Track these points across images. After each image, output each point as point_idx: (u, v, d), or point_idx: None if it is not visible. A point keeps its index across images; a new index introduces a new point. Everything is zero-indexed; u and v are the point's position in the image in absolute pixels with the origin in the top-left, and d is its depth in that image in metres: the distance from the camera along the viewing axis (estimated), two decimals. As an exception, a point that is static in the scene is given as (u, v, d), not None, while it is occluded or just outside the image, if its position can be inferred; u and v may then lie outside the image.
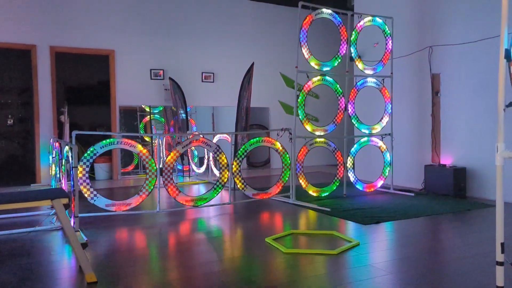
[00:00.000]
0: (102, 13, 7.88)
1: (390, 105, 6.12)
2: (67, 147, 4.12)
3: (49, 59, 7.41)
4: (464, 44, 5.85)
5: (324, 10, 5.49)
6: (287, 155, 5.25)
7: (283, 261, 3.12)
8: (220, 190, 4.79)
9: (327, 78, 5.58)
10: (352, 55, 5.89)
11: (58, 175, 4.88)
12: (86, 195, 4.15)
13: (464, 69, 5.89)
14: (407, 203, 5.31)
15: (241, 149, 4.97)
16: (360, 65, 5.97)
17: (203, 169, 8.08)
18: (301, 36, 5.34)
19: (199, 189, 6.71)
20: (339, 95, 5.74)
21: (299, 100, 5.42)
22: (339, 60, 5.68)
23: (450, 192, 5.71)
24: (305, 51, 5.38)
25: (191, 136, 4.90)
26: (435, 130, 6.29)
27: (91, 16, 7.78)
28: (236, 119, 6.75)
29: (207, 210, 5.02)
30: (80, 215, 4.10)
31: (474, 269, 2.88)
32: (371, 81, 5.98)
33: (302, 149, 5.39)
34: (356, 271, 2.92)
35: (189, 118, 8.23)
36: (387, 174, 6.11)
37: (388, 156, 6.08)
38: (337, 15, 5.62)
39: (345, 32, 5.71)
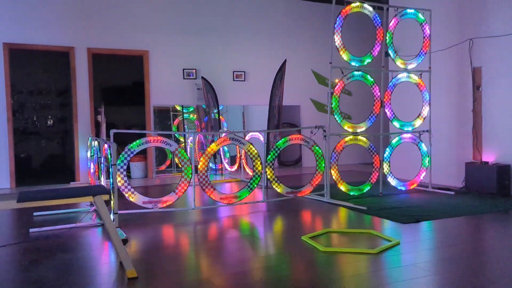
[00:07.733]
0: (136, 14, 8.01)
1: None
2: (105, 145, 4.20)
3: (86, 61, 7.60)
4: (507, 35, 5.61)
5: (365, 5, 5.35)
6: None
7: (321, 259, 3.07)
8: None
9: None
10: (390, 52, 5.73)
11: (97, 173, 4.99)
12: (124, 193, 4.21)
13: (507, 62, 5.64)
14: (446, 202, 5.14)
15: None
16: (398, 62, 5.80)
17: (235, 167, 8.10)
18: (336, 24, 5.21)
19: (232, 187, 6.72)
20: (371, 85, 5.58)
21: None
22: (371, 59, 5.53)
23: (493, 190, 5.49)
24: (337, 39, 5.25)
25: (223, 135, 4.89)
26: (477, 126, 6.06)
27: (125, 17, 7.93)
28: (268, 118, 6.72)
29: (240, 208, 5.01)
30: (118, 212, 4.18)
31: (524, 271, 2.75)
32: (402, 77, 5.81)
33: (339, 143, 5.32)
34: (397, 271, 2.84)
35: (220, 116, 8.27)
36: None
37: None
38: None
39: (381, 33, 5.56)
